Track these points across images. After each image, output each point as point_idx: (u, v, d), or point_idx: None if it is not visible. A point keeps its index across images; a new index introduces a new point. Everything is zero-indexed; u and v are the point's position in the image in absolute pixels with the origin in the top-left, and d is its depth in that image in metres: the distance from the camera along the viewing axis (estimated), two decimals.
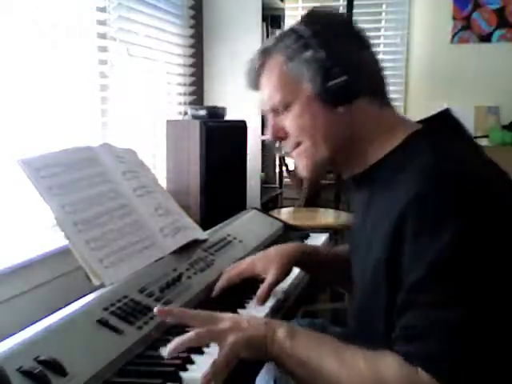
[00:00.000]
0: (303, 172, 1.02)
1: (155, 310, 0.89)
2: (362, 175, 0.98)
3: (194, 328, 0.85)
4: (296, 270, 1.24)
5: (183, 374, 0.84)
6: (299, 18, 0.99)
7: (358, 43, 0.98)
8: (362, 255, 0.96)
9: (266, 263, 1.16)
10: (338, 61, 0.92)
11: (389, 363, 0.77)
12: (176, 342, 0.83)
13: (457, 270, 0.76)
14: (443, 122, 0.96)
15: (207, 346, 0.92)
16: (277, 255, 1.17)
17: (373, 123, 0.96)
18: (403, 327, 0.79)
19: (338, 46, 0.94)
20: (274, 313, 1.11)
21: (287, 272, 1.17)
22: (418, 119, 0.98)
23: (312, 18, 0.98)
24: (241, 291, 1.17)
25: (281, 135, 1.01)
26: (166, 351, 0.83)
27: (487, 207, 0.79)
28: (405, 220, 0.81)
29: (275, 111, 1.00)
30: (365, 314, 0.95)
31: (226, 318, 0.87)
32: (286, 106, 0.97)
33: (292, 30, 0.97)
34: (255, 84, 1.04)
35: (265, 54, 1.00)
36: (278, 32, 1.03)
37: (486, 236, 0.77)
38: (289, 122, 0.98)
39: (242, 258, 1.38)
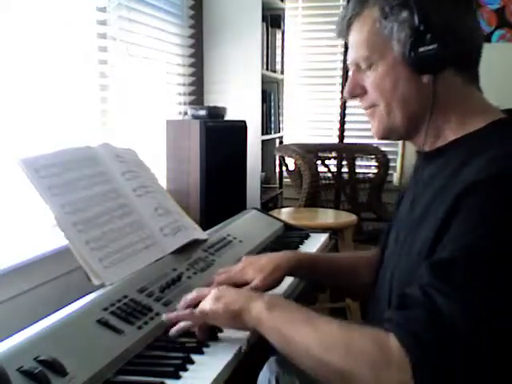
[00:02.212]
0: (374, 133, 0.99)
1: (164, 317, 1.00)
2: (437, 151, 0.94)
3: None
4: None
5: (183, 374, 0.84)
6: None
7: (461, 9, 0.91)
8: (409, 229, 0.93)
9: (255, 271, 1.14)
10: (434, 27, 0.87)
11: (364, 332, 0.77)
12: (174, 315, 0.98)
13: (475, 268, 0.74)
14: None
15: (207, 346, 0.92)
16: (268, 263, 1.15)
17: (457, 99, 0.92)
18: (403, 294, 0.79)
19: (437, 11, 0.88)
20: None
21: (275, 282, 1.15)
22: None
23: None
24: None
25: (358, 92, 0.98)
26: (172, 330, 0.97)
27: None
28: (459, 205, 0.78)
29: (357, 67, 0.97)
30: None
31: (213, 290, 0.97)
32: (370, 64, 0.94)
33: None
34: (344, 33, 0.99)
35: (361, 5, 0.95)
36: None
37: None
38: (369, 80, 0.95)
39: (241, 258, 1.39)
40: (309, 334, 0.80)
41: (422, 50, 0.88)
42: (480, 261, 0.74)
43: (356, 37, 0.96)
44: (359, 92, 0.98)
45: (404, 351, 0.71)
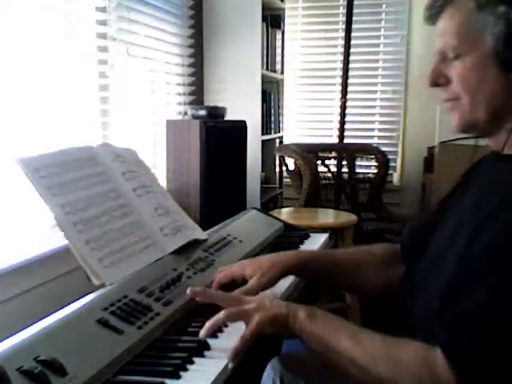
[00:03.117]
0: (454, 125, 0.96)
1: (188, 290, 1.02)
2: (502, 156, 0.92)
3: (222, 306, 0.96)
4: None
5: (183, 374, 0.84)
6: None
7: None
8: (474, 228, 0.89)
9: (255, 269, 1.14)
10: None
11: (410, 348, 0.79)
12: (210, 323, 0.93)
13: None
14: None
15: (207, 348, 0.92)
16: (268, 262, 1.15)
17: None
18: (451, 310, 0.79)
19: None
20: None
21: (273, 280, 1.14)
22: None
23: None
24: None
25: (441, 82, 0.94)
26: (201, 332, 0.93)
27: None
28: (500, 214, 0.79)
29: (444, 55, 0.93)
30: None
31: (251, 300, 0.96)
32: (458, 55, 0.90)
33: None
34: (434, 19, 0.95)
35: None
36: None
37: None
38: (455, 72, 0.91)
39: (242, 258, 1.39)
40: (353, 347, 0.84)
41: None
42: None
43: (447, 24, 0.92)
44: (443, 82, 0.94)
45: (450, 369, 0.73)
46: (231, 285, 1.16)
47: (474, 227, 0.88)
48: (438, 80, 0.95)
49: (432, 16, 0.95)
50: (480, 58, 0.89)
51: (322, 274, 1.22)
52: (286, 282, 1.21)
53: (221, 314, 0.93)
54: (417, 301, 0.98)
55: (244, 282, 1.15)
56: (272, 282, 1.14)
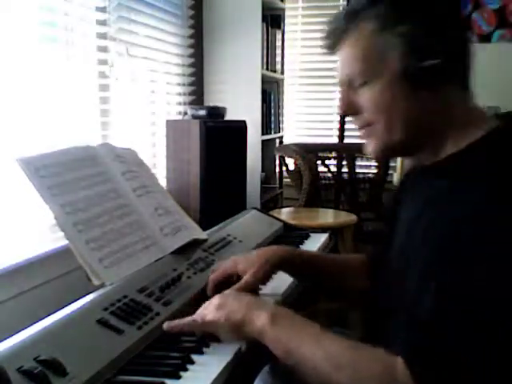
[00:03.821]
0: (371, 153, 0.94)
1: (164, 326, 0.97)
2: (432, 167, 0.92)
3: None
4: None
5: (183, 374, 0.84)
6: None
7: (459, 21, 0.89)
8: (410, 242, 0.91)
9: (246, 264, 1.13)
10: (434, 41, 0.83)
11: (372, 354, 0.78)
12: (177, 322, 0.95)
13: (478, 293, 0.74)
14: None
15: (207, 346, 0.92)
16: (260, 256, 1.14)
17: (454, 113, 0.88)
18: (409, 315, 0.79)
19: (438, 25, 0.85)
20: None
21: (266, 276, 1.13)
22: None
23: None
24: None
25: (352, 111, 0.92)
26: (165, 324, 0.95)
27: None
28: (452, 239, 0.77)
29: (350, 83, 0.91)
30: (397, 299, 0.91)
31: (216, 297, 0.95)
32: (365, 81, 0.88)
33: None
34: (334, 48, 0.92)
35: (353, 17, 0.89)
36: None
37: None
38: (365, 98, 0.89)
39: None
40: (316, 353, 0.81)
41: (421, 65, 0.84)
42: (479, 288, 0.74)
43: (349, 51, 0.90)
44: (354, 111, 0.92)
45: (410, 375, 0.73)
46: (226, 283, 1.16)
47: (410, 248, 0.89)
48: (349, 109, 0.92)
49: (332, 44, 0.92)
50: (387, 80, 0.87)
51: (309, 272, 1.21)
52: (287, 282, 1.21)
53: (183, 321, 0.95)
54: (383, 309, 0.99)
55: (238, 277, 1.14)
56: (267, 277, 1.14)
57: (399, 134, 0.89)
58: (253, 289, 1.11)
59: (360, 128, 0.93)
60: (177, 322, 0.97)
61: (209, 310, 0.93)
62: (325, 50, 0.94)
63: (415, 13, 0.85)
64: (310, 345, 0.82)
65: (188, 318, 0.95)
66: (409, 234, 0.92)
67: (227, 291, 1.02)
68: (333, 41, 0.92)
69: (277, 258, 1.15)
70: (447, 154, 0.89)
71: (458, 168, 0.86)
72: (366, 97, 0.89)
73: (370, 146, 0.93)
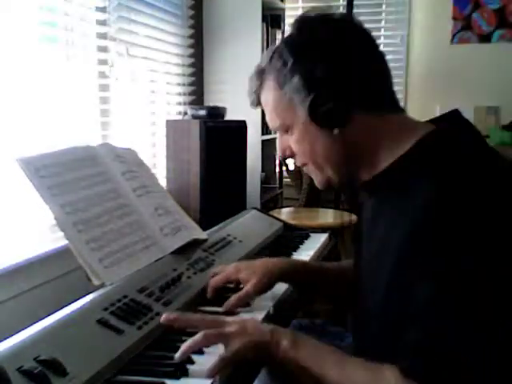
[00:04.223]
0: (317, 186, 1.02)
1: (161, 318, 0.93)
2: (371, 182, 0.96)
3: (200, 330, 0.88)
4: None
5: (183, 374, 0.84)
6: (291, 27, 0.96)
7: (347, 51, 0.91)
8: (372, 264, 0.94)
9: (249, 273, 1.14)
10: (326, 84, 0.89)
11: (387, 377, 0.78)
12: (186, 345, 0.87)
13: (465, 292, 0.75)
14: (455, 123, 0.92)
15: (207, 346, 0.92)
16: (262, 267, 1.15)
17: (377, 134, 0.92)
18: (407, 341, 0.79)
19: (326, 66, 0.89)
20: (274, 312, 1.11)
21: (268, 286, 1.14)
22: (424, 119, 0.95)
23: (300, 30, 0.94)
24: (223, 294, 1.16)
25: (289, 154, 1.01)
26: (177, 354, 0.86)
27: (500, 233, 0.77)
28: (419, 233, 0.79)
29: (280, 131, 1.00)
30: (374, 324, 0.92)
31: (232, 322, 0.90)
32: (287, 130, 0.97)
33: (279, 49, 0.94)
34: (256, 103, 1.04)
35: (260, 74, 0.99)
36: (270, 49, 0.98)
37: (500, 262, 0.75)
38: (292, 144, 0.98)
39: (242, 258, 1.39)
40: (338, 376, 0.82)
41: (321, 109, 0.90)
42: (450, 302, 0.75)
43: (266, 108, 1.00)
44: (289, 153, 1.00)
45: None
46: (224, 288, 1.16)
47: (376, 252, 0.92)
48: (286, 153, 1.01)
49: (254, 102, 1.03)
50: (302, 126, 0.94)
51: (311, 282, 1.23)
52: (284, 285, 1.21)
53: (198, 336, 0.87)
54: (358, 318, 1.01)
55: (238, 284, 1.15)
56: (268, 288, 1.15)
57: (329, 170, 0.96)
58: (252, 298, 1.12)
59: (301, 166, 1.02)
60: (184, 316, 0.94)
61: (229, 326, 0.89)
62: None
63: (300, 65, 0.90)
64: (332, 367, 0.83)
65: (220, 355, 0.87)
66: (376, 243, 0.93)
67: (239, 318, 1.00)
68: (253, 100, 1.03)
69: (277, 271, 1.16)
70: (385, 167, 0.93)
71: (400, 173, 0.89)
72: (292, 143, 0.98)
73: (315, 181, 1.01)
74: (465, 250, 0.76)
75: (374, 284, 0.90)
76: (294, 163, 1.03)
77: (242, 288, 1.12)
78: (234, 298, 1.09)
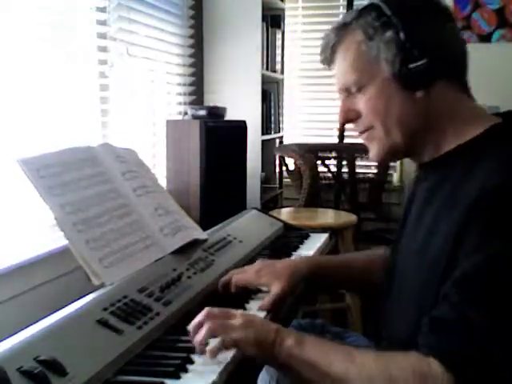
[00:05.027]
0: (374, 156, 0.98)
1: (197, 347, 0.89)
2: (433, 162, 0.95)
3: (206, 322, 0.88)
4: None
5: (183, 374, 0.84)
6: None
7: (441, 20, 0.93)
8: (416, 246, 0.92)
9: (271, 276, 1.13)
10: (420, 42, 0.88)
11: (401, 362, 0.77)
12: (197, 343, 0.87)
13: (502, 278, 0.75)
14: None
15: (207, 345, 0.91)
16: (285, 269, 1.14)
17: (451, 110, 0.92)
18: (433, 317, 0.79)
19: (421, 26, 0.89)
20: (275, 312, 1.11)
21: (294, 287, 1.13)
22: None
23: None
24: (240, 293, 1.17)
25: (352, 117, 0.97)
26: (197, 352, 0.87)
27: None
28: (473, 214, 0.79)
29: (348, 91, 0.97)
30: (411, 311, 0.91)
31: (238, 315, 0.90)
32: (361, 87, 0.94)
33: (373, 5, 0.92)
34: (330, 61, 0.99)
35: (343, 30, 0.95)
36: (354, 9, 0.97)
37: None
38: (362, 103, 0.94)
39: (242, 258, 1.39)
40: (346, 368, 0.80)
41: (411, 66, 0.88)
42: (500, 273, 0.75)
43: (342, 63, 0.96)
44: (353, 116, 0.97)
45: (450, 376, 0.72)
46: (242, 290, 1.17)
47: (417, 246, 0.91)
48: (349, 115, 0.97)
49: (326, 58, 1.00)
50: (381, 84, 0.92)
51: (334, 279, 1.23)
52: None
53: (203, 330, 0.86)
54: (392, 307, 1.00)
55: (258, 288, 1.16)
56: (294, 289, 1.14)
57: (398, 135, 0.93)
58: (282, 300, 1.11)
59: (361, 133, 0.98)
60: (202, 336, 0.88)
61: (237, 329, 0.87)
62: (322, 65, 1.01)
63: (398, 18, 0.89)
64: (341, 362, 0.81)
65: (218, 339, 0.87)
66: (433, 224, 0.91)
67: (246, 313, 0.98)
68: (327, 54, 0.99)
69: (304, 272, 1.16)
70: (449, 149, 0.92)
71: (463, 159, 0.88)
72: (363, 102, 0.94)
73: (373, 150, 0.97)
74: None
75: (417, 267, 0.89)
76: (355, 129, 0.99)
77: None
78: (267, 302, 1.09)
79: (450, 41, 0.93)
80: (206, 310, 0.91)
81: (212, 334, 0.87)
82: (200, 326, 0.88)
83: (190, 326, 0.90)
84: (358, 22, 0.93)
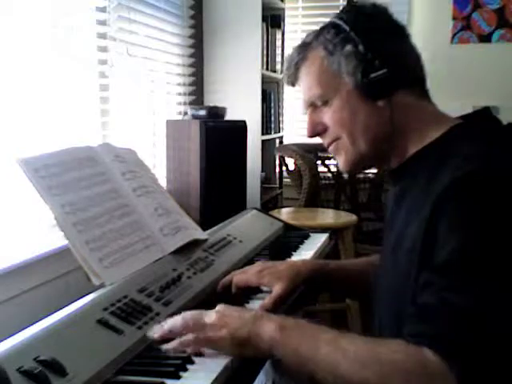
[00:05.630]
0: (342, 167, 1.02)
1: (155, 336, 0.91)
2: (399, 168, 0.99)
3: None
4: None
5: (183, 374, 0.84)
6: (338, 11, 1.00)
7: (397, 34, 0.98)
8: (392, 248, 0.94)
9: (273, 277, 1.13)
10: (378, 53, 0.92)
11: (392, 346, 0.76)
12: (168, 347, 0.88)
13: (480, 261, 0.76)
14: (484, 119, 0.95)
15: None
16: (286, 270, 1.15)
17: (413, 115, 0.95)
18: (418, 306, 0.79)
19: (378, 39, 0.94)
20: (275, 313, 1.10)
21: (295, 288, 1.14)
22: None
23: (351, 10, 0.98)
24: (240, 293, 1.17)
25: (319, 130, 1.01)
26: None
27: None
28: (443, 204, 0.80)
29: (314, 105, 1.01)
30: (393, 307, 0.92)
31: (212, 313, 0.89)
32: (326, 101, 0.98)
33: (331, 23, 0.97)
34: (294, 78, 1.04)
35: (304, 48, 1.01)
36: (314, 30, 1.05)
37: None
38: (328, 116, 0.98)
39: (242, 258, 1.39)
40: (333, 353, 0.78)
41: (372, 76, 0.92)
42: (474, 258, 0.76)
43: (306, 79, 1.00)
44: (320, 129, 1.01)
45: (446, 363, 0.71)
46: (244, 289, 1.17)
47: (391, 247, 0.94)
48: (316, 128, 1.01)
49: (291, 76, 1.04)
50: (345, 96, 0.96)
51: (334, 283, 1.23)
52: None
53: (175, 342, 0.88)
54: (380, 302, 1.00)
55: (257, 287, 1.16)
56: (294, 290, 1.14)
57: (364, 144, 0.97)
58: (283, 302, 1.10)
59: (328, 145, 1.03)
60: (177, 341, 0.89)
61: (211, 328, 0.87)
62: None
63: (355, 33, 0.93)
64: (327, 348, 0.78)
65: (189, 335, 0.88)
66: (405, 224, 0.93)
67: (225, 307, 0.93)
68: (290, 73, 1.03)
69: (305, 273, 1.16)
70: (408, 157, 0.96)
71: (426, 161, 0.91)
72: (328, 115, 0.98)
73: (340, 161, 1.02)
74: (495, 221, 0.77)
75: (393, 263, 0.91)
76: (323, 141, 1.03)
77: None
78: (268, 302, 1.08)
79: (406, 53, 0.97)
80: (181, 316, 0.91)
81: (185, 343, 0.87)
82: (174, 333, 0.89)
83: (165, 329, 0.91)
84: (318, 40, 0.99)
